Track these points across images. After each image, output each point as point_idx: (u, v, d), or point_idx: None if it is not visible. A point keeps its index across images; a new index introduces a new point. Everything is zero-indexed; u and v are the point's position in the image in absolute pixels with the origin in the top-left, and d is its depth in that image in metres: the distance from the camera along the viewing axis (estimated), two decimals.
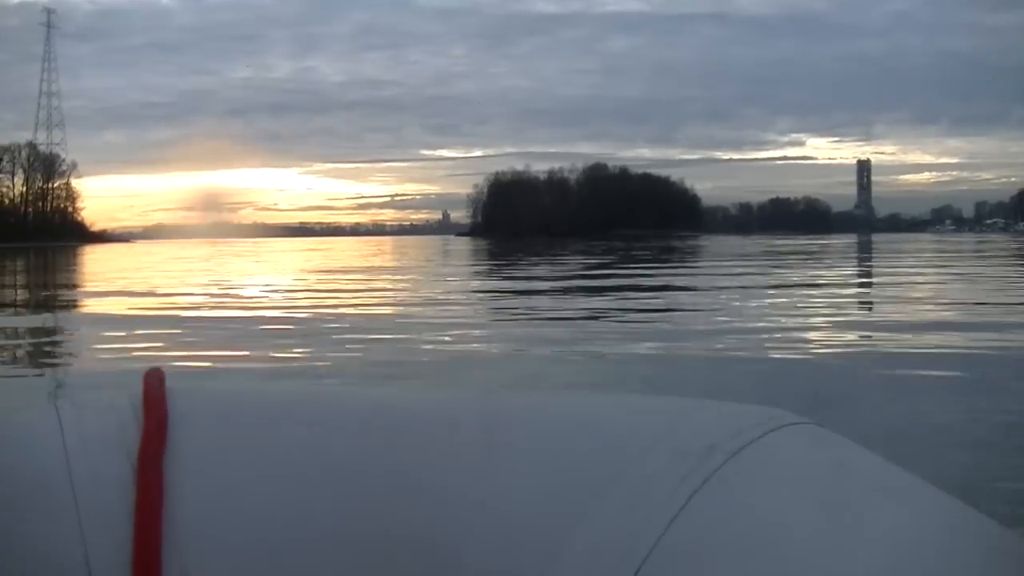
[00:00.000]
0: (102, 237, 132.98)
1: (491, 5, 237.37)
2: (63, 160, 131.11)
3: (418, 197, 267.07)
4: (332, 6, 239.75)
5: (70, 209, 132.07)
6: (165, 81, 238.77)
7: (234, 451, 0.68)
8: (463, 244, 73.08)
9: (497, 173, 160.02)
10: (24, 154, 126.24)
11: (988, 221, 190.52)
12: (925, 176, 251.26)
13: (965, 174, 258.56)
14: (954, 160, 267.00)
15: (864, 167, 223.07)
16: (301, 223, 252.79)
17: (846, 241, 67.16)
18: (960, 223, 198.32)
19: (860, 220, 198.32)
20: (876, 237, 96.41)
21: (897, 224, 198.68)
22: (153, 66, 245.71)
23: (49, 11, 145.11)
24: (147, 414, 0.70)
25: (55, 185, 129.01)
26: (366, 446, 0.67)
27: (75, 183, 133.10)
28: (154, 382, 0.74)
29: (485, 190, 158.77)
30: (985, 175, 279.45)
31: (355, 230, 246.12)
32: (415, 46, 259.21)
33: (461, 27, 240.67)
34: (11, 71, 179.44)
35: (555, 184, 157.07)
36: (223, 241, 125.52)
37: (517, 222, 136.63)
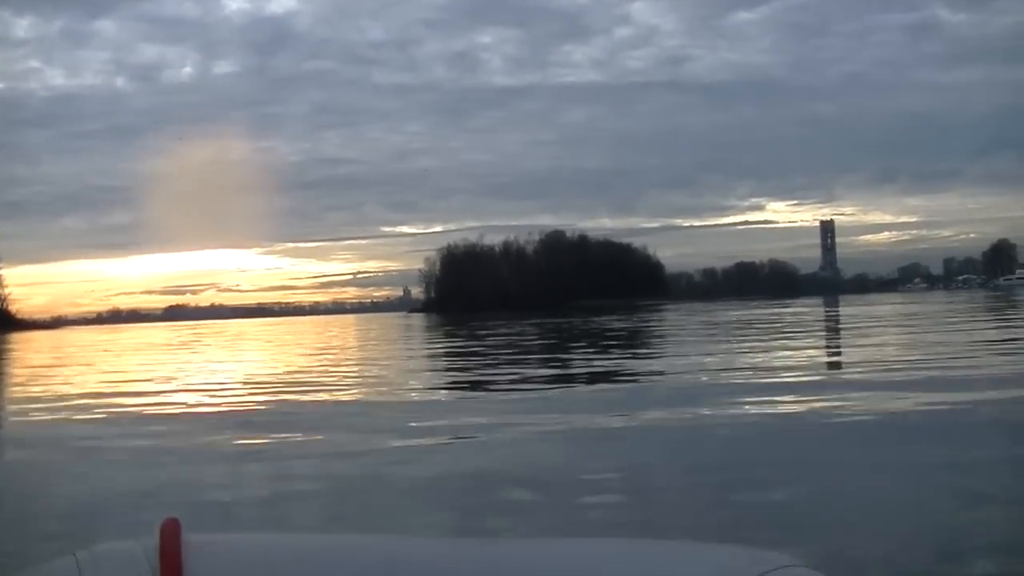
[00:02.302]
0: (24, 325, 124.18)
1: (447, 80, 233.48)
2: None
3: (380, 274, 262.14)
4: (287, 86, 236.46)
5: None
6: (123, 165, 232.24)
7: None
8: (401, 322, 65.87)
9: (449, 245, 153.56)
10: None
11: (960, 278, 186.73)
12: (886, 236, 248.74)
13: (925, 232, 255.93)
14: (914, 219, 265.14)
15: (828, 228, 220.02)
16: (259, 304, 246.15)
17: (834, 307, 60.95)
18: (931, 281, 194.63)
19: (827, 282, 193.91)
20: (851, 299, 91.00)
21: (865, 284, 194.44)
22: (110, 150, 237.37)
23: None
24: (163, 569, 0.71)
25: None
26: None
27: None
28: (170, 534, 0.90)
29: (438, 263, 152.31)
30: (946, 232, 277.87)
31: (314, 309, 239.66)
32: (372, 123, 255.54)
33: (418, 103, 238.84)
34: None
35: (512, 255, 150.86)
36: (179, 325, 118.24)
37: (472, 296, 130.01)
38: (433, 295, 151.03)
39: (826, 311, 46.20)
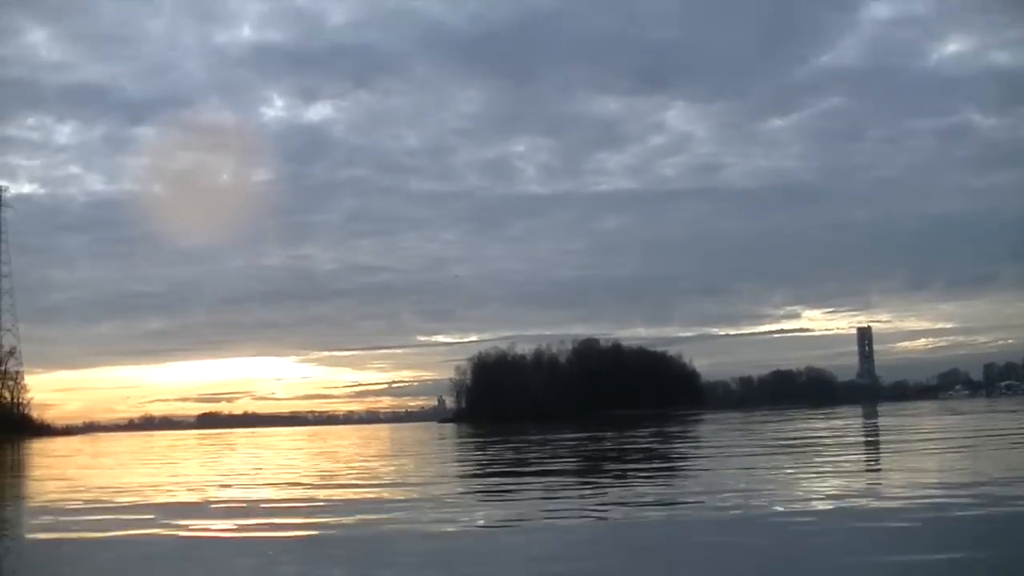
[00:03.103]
0: (46, 431, 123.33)
1: (482, 188, 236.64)
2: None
3: (415, 384, 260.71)
4: (323, 193, 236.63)
5: (15, 400, 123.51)
6: (159, 271, 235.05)
7: None
8: (422, 436, 63.86)
9: (480, 354, 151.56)
10: None
11: (1004, 383, 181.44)
12: (922, 342, 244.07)
13: (962, 338, 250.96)
14: (950, 325, 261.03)
15: (865, 335, 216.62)
16: (292, 412, 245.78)
17: (887, 417, 58.27)
18: (972, 387, 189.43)
19: (865, 389, 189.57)
20: (897, 408, 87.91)
21: (905, 392, 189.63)
22: (147, 256, 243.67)
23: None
24: None
25: None
26: None
27: (27, 375, 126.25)
28: None
29: (469, 373, 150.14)
30: (982, 338, 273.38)
31: (348, 418, 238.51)
32: (407, 231, 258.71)
33: (452, 211, 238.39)
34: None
35: (544, 363, 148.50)
36: (210, 433, 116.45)
37: (503, 405, 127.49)
38: (464, 405, 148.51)
39: (888, 425, 43.86)
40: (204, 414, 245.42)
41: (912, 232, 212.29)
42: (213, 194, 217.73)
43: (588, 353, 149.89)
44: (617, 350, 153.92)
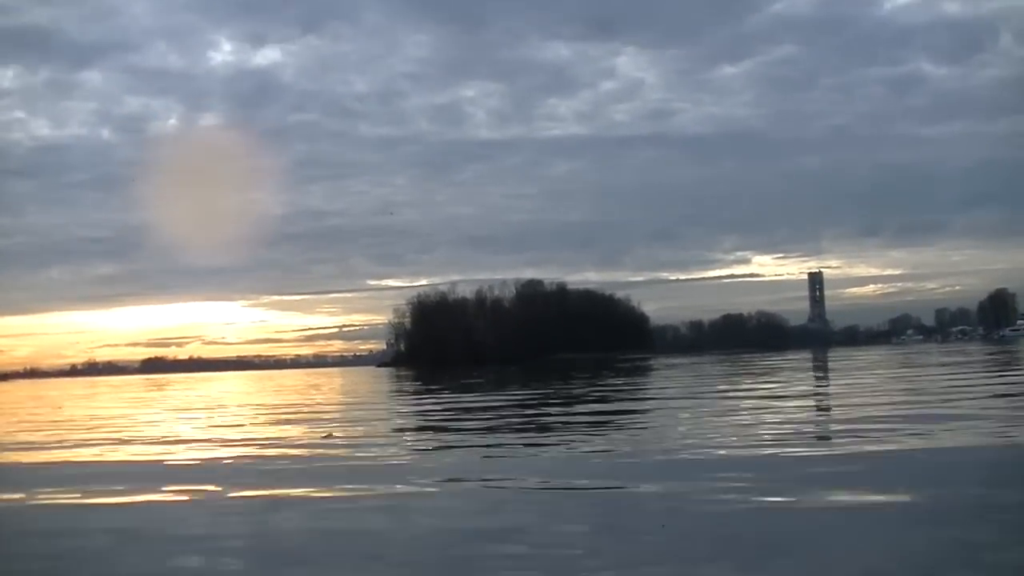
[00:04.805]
0: None
1: (432, 133, 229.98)
2: None
3: (365, 327, 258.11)
4: (272, 138, 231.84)
5: None
6: (108, 216, 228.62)
7: None
8: (340, 381, 57.87)
9: (419, 295, 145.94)
10: None
11: (956, 329, 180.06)
12: (871, 288, 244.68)
13: (911, 284, 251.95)
14: (899, 271, 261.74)
15: (816, 280, 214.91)
16: (239, 356, 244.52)
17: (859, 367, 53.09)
18: (924, 332, 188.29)
19: (817, 334, 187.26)
20: (855, 352, 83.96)
21: (856, 337, 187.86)
22: (96, 201, 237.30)
23: None
24: None
25: None
26: None
27: None
28: None
29: (408, 315, 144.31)
30: (931, 284, 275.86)
31: (296, 362, 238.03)
32: (357, 176, 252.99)
33: (402, 156, 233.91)
34: None
35: (487, 306, 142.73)
36: (154, 378, 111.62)
37: (444, 349, 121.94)
38: (403, 348, 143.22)
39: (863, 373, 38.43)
40: (148, 359, 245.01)
41: (862, 180, 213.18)
42: (161, 139, 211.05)
43: (532, 296, 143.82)
44: (562, 292, 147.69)
